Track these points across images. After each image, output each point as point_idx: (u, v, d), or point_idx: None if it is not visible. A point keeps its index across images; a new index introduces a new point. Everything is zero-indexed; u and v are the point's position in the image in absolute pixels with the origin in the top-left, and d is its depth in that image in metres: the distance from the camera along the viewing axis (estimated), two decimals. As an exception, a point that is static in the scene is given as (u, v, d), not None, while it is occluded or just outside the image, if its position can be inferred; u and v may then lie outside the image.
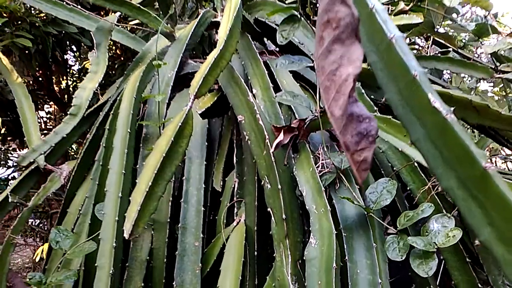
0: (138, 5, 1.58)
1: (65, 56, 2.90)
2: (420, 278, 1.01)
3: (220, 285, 1.08)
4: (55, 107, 3.28)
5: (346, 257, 0.96)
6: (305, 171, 1.07)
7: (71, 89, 3.12)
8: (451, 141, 0.43)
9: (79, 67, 3.24)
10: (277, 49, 1.62)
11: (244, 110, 1.21)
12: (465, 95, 1.23)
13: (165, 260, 1.16)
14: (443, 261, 1.10)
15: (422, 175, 1.16)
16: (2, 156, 3.42)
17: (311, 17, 1.47)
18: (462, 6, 1.70)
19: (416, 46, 2.39)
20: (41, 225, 3.03)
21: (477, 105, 1.18)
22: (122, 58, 2.78)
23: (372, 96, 1.38)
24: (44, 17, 2.11)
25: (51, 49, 2.15)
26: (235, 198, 1.28)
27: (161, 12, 1.76)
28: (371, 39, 0.54)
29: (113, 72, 2.65)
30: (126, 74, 1.61)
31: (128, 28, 2.01)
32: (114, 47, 2.86)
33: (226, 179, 1.34)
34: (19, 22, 2.02)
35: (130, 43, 1.84)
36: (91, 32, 1.68)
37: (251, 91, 1.29)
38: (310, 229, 0.98)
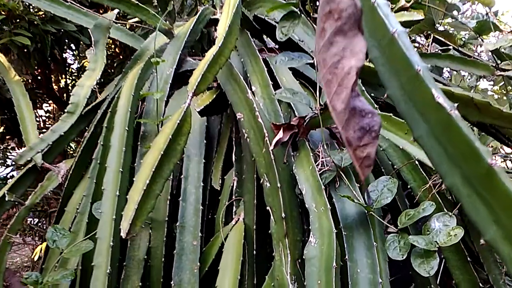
0: (137, 2, 1.57)
1: (64, 55, 2.89)
2: (421, 277, 1.00)
3: (219, 284, 1.07)
4: (54, 106, 3.26)
5: (346, 256, 0.95)
6: (305, 169, 1.06)
7: (70, 87, 3.10)
8: (456, 137, 0.42)
9: (78, 65, 3.23)
10: (277, 46, 1.61)
11: (243, 108, 1.20)
12: (466, 93, 1.22)
13: (163, 259, 1.15)
14: (444, 260, 1.10)
15: (423, 173, 1.15)
16: (0, 155, 3.40)
17: (311, 14, 1.46)
18: (463, 3, 1.69)
19: (416, 45, 2.38)
20: (40, 224, 3.02)
21: (479, 103, 1.17)
22: (121, 57, 2.77)
23: (373, 94, 1.37)
24: (43, 15, 2.10)
25: (49, 47, 2.14)
26: (234, 197, 1.27)
27: (159, 9, 1.75)
28: (372, 33, 0.53)
29: (112, 70, 2.64)
30: (124, 71, 1.60)
31: (127, 26, 1.99)
32: (113, 46, 2.85)
33: (225, 177, 1.34)
34: (18, 20, 2.01)
35: (129, 41, 1.83)
36: (89, 30, 1.67)
37: (250, 89, 1.28)
38: (310, 228, 0.97)
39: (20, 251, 3.44)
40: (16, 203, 1.51)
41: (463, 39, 2.14)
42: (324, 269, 0.88)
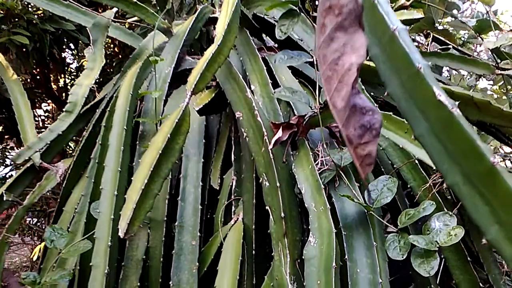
0: (135, 0, 1.56)
1: (63, 54, 2.88)
2: (421, 277, 0.99)
3: (218, 284, 1.07)
4: (53, 105, 3.25)
5: (346, 256, 0.94)
6: (304, 169, 1.06)
7: (69, 87, 3.09)
8: (457, 135, 0.42)
9: (77, 65, 3.22)
10: (276, 45, 1.61)
11: (242, 107, 1.19)
12: (466, 92, 1.21)
13: (161, 259, 1.15)
14: (444, 260, 1.09)
15: (423, 172, 1.15)
16: (-1, 154, 3.40)
17: (310, 12, 1.46)
18: (463, 2, 1.69)
19: (416, 44, 2.37)
20: (39, 224, 3.01)
21: (479, 102, 1.16)
22: (120, 56, 2.76)
23: (372, 93, 1.36)
24: (42, 14, 2.10)
25: (48, 46, 2.13)
26: (233, 196, 1.26)
27: (158, 8, 1.74)
28: (373, 31, 0.52)
29: (111, 70, 2.64)
30: (123, 70, 1.59)
31: (126, 25, 1.99)
32: (112, 45, 2.84)
33: (224, 176, 1.33)
34: (16, 19, 2.01)
35: (128, 40, 1.82)
36: (87, 28, 1.66)
37: (250, 87, 1.28)
38: (309, 227, 0.96)
39: (19, 251, 3.44)
40: (14, 202, 1.50)
41: (463, 38, 2.13)
42: (324, 269, 0.87)
